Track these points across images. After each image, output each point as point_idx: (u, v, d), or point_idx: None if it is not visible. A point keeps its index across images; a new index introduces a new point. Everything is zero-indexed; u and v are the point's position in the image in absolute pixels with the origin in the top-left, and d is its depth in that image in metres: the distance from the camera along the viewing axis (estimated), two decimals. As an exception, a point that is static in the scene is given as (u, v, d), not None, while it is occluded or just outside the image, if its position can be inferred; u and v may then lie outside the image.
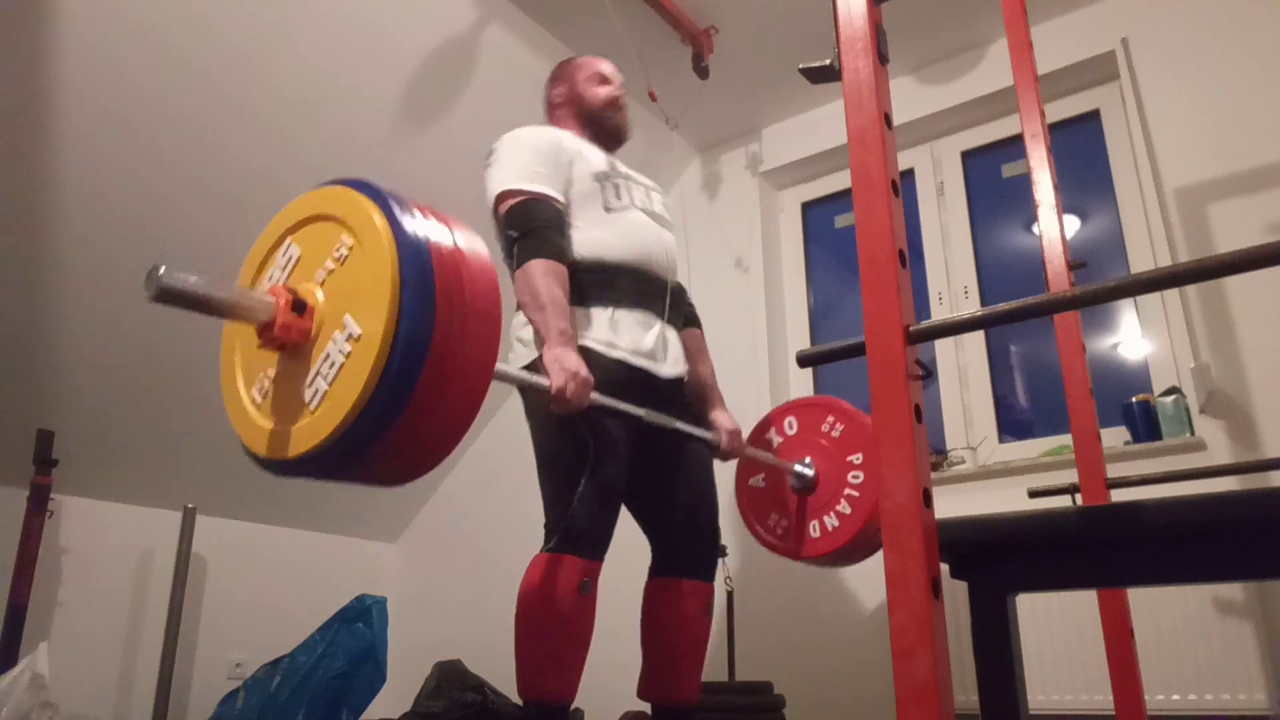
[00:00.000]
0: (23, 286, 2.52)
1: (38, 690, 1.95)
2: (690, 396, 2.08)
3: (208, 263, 2.66)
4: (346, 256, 1.04)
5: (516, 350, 1.90)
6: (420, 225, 1.03)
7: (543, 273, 1.75)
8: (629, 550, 2.03)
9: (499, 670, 1.78)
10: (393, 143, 2.97)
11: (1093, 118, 3.15)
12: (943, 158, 3.44)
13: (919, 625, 0.77)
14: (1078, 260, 1.96)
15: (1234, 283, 2.52)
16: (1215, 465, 2.20)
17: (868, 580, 2.87)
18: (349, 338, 0.99)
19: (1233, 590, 2.28)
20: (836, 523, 1.94)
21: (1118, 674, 1.70)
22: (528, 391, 1.81)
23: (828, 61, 1.06)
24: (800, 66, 1.17)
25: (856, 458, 1.96)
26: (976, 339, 3.17)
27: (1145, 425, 2.64)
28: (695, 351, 2.15)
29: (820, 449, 2.01)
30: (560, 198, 1.89)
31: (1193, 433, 2.55)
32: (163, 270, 0.91)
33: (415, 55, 2.88)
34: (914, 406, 0.84)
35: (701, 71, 3.20)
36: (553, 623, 1.68)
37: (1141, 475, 2.05)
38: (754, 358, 3.47)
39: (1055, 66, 3.00)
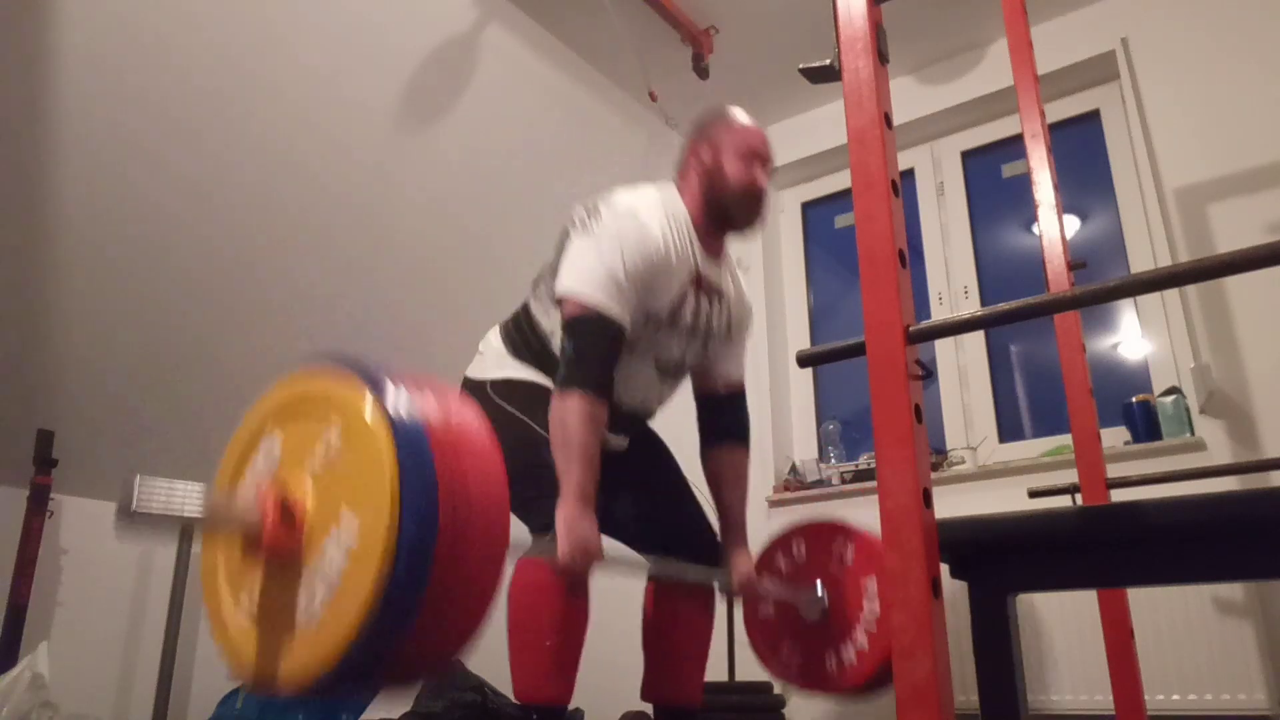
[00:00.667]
0: (23, 286, 2.53)
1: (38, 690, 1.95)
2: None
3: (206, 265, 2.67)
4: (336, 444, 0.94)
5: (480, 361, 1.88)
6: (413, 404, 0.93)
7: (583, 418, 1.61)
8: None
9: (499, 670, 1.77)
10: (392, 145, 2.97)
11: (1093, 118, 3.15)
12: (943, 158, 3.44)
13: (919, 625, 0.77)
14: (1078, 260, 1.96)
15: (1234, 283, 2.52)
16: (1215, 465, 2.21)
17: (868, 580, 2.86)
18: (346, 546, 0.89)
19: (1233, 590, 2.28)
20: (853, 659, 1.79)
21: (1118, 674, 1.70)
22: (496, 416, 1.72)
23: (828, 61, 1.06)
24: (800, 66, 1.17)
25: (870, 585, 1.81)
26: (976, 339, 3.17)
27: (1145, 425, 2.64)
28: (725, 473, 1.94)
29: (832, 577, 1.87)
30: (628, 326, 1.70)
31: (1193, 433, 2.55)
32: (135, 501, 0.84)
33: (414, 56, 2.87)
34: (914, 406, 0.84)
35: (701, 71, 3.20)
36: (546, 625, 1.66)
37: (1141, 475, 2.05)
38: (754, 358, 3.47)
39: (1055, 66, 3.00)
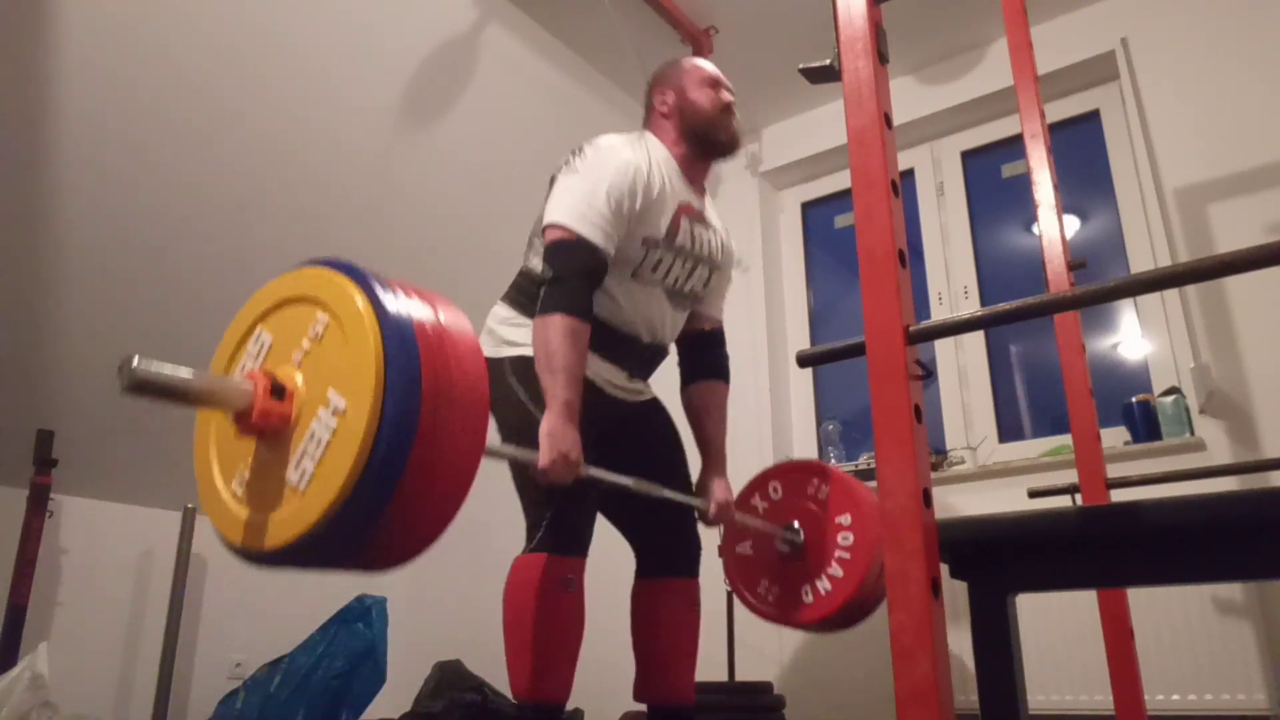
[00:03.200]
0: (23, 286, 2.53)
1: (38, 690, 1.95)
2: (659, 425, 2.02)
3: (206, 266, 2.67)
4: (322, 334, 1.00)
5: (484, 341, 1.88)
6: (401, 301, 0.99)
7: (564, 332, 1.66)
8: (627, 550, 2.03)
9: (499, 670, 1.78)
10: (391, 145, 2.97)
11: (1093, 118, 3.15)
12: (943, 158, 3.44)
13: (919, 625, 0.77)
14: (1078, 260, 1.96)
15: (1234, 283, 2.52)
16: (1215, 465, 2.21)
17: (868, 580, 2.86)
18: (334, 412, 0.94)
19: (1233, 590, 2.28)
20: (829, 586, 1.89)
21: (1118, 674, 1.70)
22: (497, 401, 1.75)
23: (828, 61, 1.06)
24: (800, 66, 1.17)
25: (844, 519, 1.90)
26: (976, 339, 3.17)
27: (1145, 425, 2.64)
28: (709, 407, 2.02)
29: (807, 513, 1.96)
30: (609, 250, 1.75)
31: (1192, 433, 2.55)
32: (136, 362, 0.89)
33: (414, 56, 2.87)
34: (914, 406, 0.84)
35: (701, 71, 3.20)
36: (540, 623, 1.67)
37: (1141, 475, 2.05)
38: (754, 358, 3.47)
39: (1055, 66, 3.00)
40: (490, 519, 3.97)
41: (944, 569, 0.87)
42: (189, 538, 2.87)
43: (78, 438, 2.72)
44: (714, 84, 2.00)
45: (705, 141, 1.95)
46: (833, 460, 3.34)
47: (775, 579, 1.96)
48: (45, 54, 2.27)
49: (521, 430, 1.72)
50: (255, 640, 3.06)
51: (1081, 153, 3.16)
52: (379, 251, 2.96)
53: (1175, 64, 2.82)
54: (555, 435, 1.59)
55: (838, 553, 1.89)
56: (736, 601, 2.70)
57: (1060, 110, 3.13)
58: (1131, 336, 2.98)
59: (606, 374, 1.87)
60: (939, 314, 3.20)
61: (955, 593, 2.24)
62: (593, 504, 1.82)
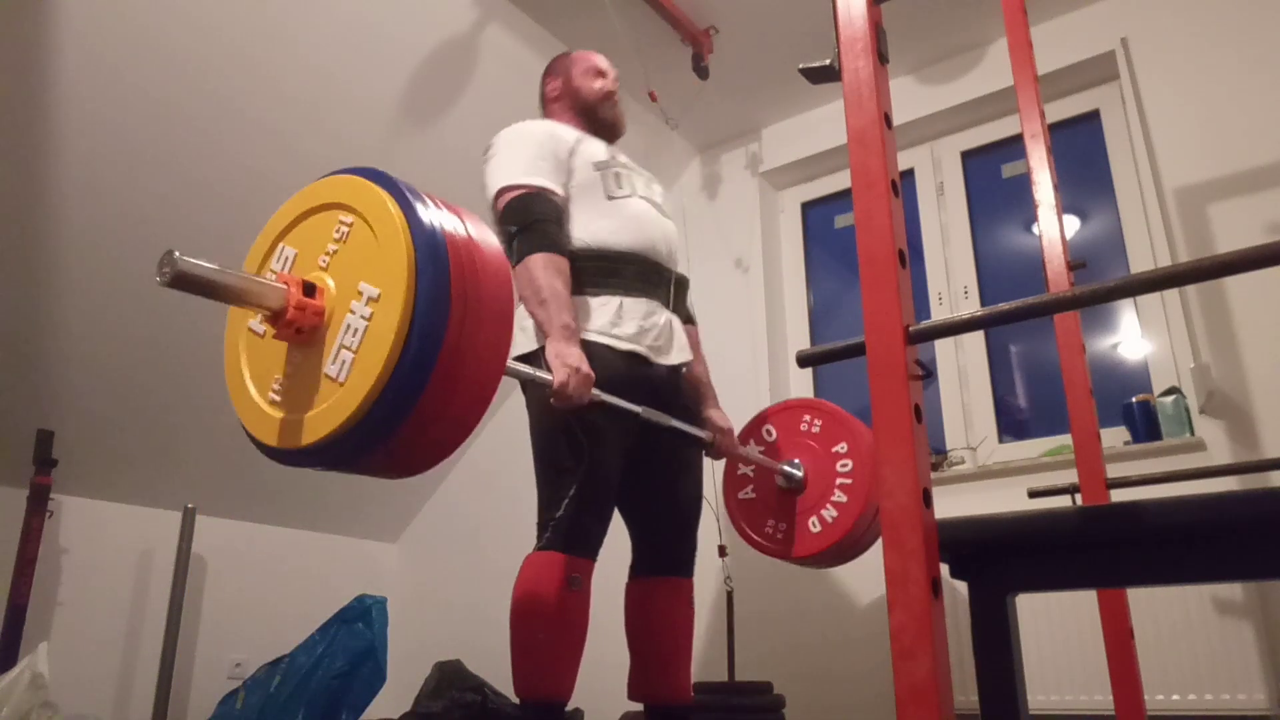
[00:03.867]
0: (23, 286, 2.52)
1: (38, 690, 1.95)
2: (685, 393, 2.09)
3: (209, 262, 2.67)
4: (348, 234, 1.03)
5: (515, 338, 1.90)
6: (430, 208, 1.02)
7: (543, 266, 1.74)
8: (626, 550, 2.03)
9: (499, 670, 1.78)
10: (392, 142, 2.97)
11: (1093, 118, 3.14)
12: (943, 158, 3.44)
13: (919, 625, 0.77)
14: (1078, 260, 1.96)
15: (1234, 283, 2.52)
16: (1215, 465, 2.20)
17: (868, 580, 2.87)
18: (368, 301, 0.97)
19: (1233, 590, 2.28)
20: (835, 514, 1.94)
21: (1118, 674, 1.70)
22: (529, 386, 1.81)
23: (828, 61, 1.06)
24: (800, 66, 1.17)
25: (841, 447, 1.97)
26: (976, 339, 3.17)
27: (1145, 425, 2.64)
28: (694, 348, 2.14)
29: (804, 448, 2.03)
30: (559, 190, 1.88)
31: (1193, 433, 2.55)
32: (178, 255, 0.91)
33: (415, 55, 2.88)
34: (914, 406, 0.84)
35: (701, 71, 3.20)
36: (545, 621, 1.68)
37: (1141, 475, 2.05)
38: (754, 358, 3.47)
39: (1055, 66, 3.00)
40: (490, 519, 3.98)
41: (944, 569, 0.87)
42: (189, 538, 2.87)
43: (78, 438, 2.72)
44: (598, 73, 2.15)
45: (594, 124, 2.10)
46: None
47: (781, 516, 2.02)
48: (46, 50, 2.27)
49: (549, 433, 1.78)
50: (255, 640, 3.06)
51: (1081, 153, 3.16)
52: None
53: (1175, 64, 2.82)
54: (562, 355, 1.64)
55: (839, 480, 1.95)
56: (736, 601, 2.71)
57: (1060, 110, 3.13)
58: (1131, 336, 2.98)
59: (635, 327, 1.89)
60: (939, 314, 3.20)
61: (956, 593, 2.26)
62: (609, 502, 1.83)
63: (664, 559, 1.96)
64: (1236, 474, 2.19)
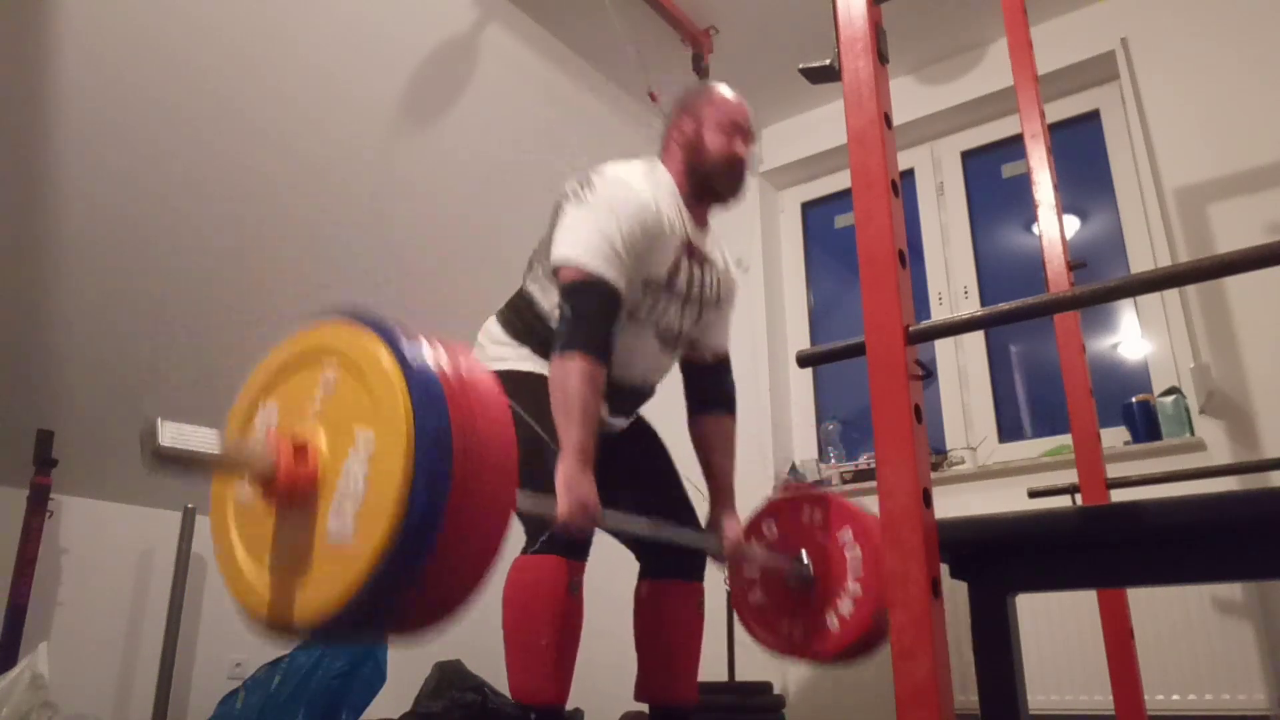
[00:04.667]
0: (22, 286, 2.52)
1: (38, 690, 1.95)
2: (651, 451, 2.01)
3: (206, 263, 2.66)
4: (335, 383, 0.96)
5: (480, 352, 1.87)
6: (422, 349, 0.95)
7: (583, 377, 1.62)
8: (625, 551, 2.03)
9: (499, 670, 1.78)
10: (392, 143, 2.97)
11: (1093, 118, 3.15)
12: (943, 158, 3.44)
13: (919, 625, 0.77)
14: (1078, 260, 1.96)
15: (1234, 283, 2.52)
16: (1215, 465, 2.21)
17: (868, 580, 2.86)
18: (368, 457, 0.90)
19: (1233, 590, 2.28)
20: (852, 605, 1.82)
21: (1118, 674, 1.70)
22: (515, 394, 1.74)
23: (828, 61, 1.06)
24: (800, 66, 1.17)
25: (845, 534, 1.86)
26: (976, 339, 3.17)
27: (1145, 425, 2.64)
28: (715, 440, 1.98)
29: (808, 541, 1.91)
30: (624, 289, 1.72)
31: (1192, 433, 2.55)
32: (159, 436, 0.85)
33: (415, 55, 2.88)
34: (914, 406, 0.84)
35: (701, 71, 3.20)
36: (544, 626, 1.66)
37: (1141, 475, 2.05)
38: (754, 358, 3.47)
39: (1055, 66, 3.00)
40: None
41: (944, 569, 0.87)
42: (189, 538, 2.86)
43: (78, 438, 2.72)
44: (733, 131, 1.92)
45: (705, 186, 1.92)
46: (832, 460, 3.34)
47: (796, 616, 1.89)
48: (45, 50, 2.27)
49: (525, 441, 1.71)
50: (255, 640, 3.05)
51: (1081, 153, 3.16)
52: (378, 246, 2.96)
53: (1175, 64, 2.82)
54: (573, 483, 1.56)
55: (849, 571, 1.83)
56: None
57: (1060, 110, 3.13)
58: (1131, 336, 2.98)
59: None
60: (939, 314, 3.20)
61: (956, 593, 2.24)
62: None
63: (668, 564, 1.93)
64: (1236, 474, 2.19)
